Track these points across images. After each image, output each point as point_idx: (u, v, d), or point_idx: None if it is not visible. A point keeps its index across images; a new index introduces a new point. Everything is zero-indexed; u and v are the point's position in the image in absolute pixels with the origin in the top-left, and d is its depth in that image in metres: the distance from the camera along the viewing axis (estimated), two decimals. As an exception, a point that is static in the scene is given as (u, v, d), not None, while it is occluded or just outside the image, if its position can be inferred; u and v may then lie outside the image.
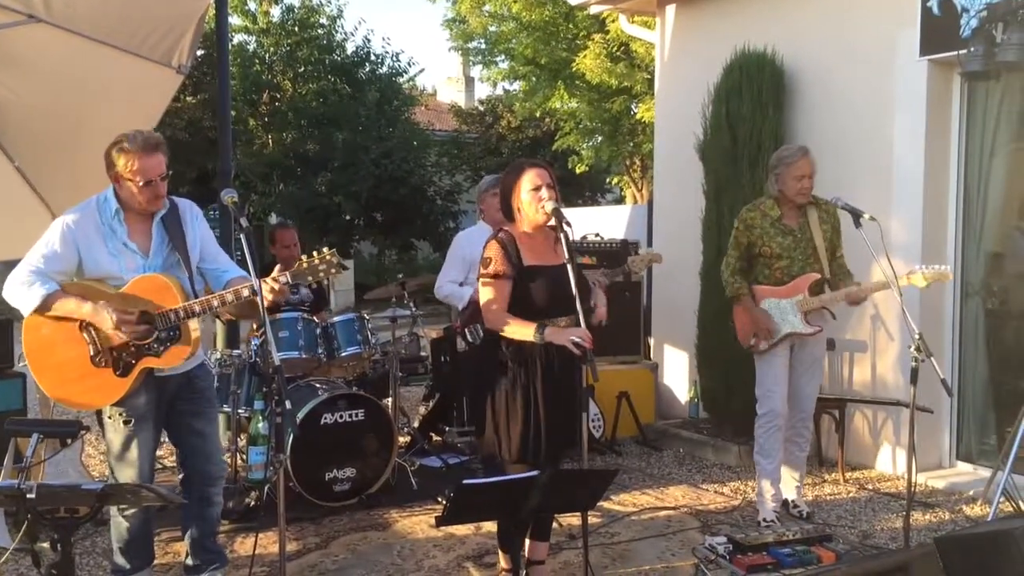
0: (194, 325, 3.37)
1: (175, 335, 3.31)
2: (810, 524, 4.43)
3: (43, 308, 3.23)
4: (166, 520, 4.27)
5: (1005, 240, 5.38)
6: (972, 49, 4.31)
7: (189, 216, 3.52)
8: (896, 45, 5.37)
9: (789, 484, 4.71)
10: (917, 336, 3.79)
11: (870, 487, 5.26)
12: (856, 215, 4.15)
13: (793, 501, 4.71)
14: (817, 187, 4.44)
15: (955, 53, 4.80)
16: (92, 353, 3.29)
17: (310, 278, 3.25)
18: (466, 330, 5.15)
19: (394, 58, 19.61)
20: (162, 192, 3.36)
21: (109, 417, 3.39)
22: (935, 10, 5.12)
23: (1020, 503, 4.35)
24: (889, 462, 5.55)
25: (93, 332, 3.29)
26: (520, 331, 3.28)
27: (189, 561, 3.64)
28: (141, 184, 3.27)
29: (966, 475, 5.33)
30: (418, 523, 4.59)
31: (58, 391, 3.38)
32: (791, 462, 4.67)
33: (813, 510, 4.76)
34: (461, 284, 5.12)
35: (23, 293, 3.23)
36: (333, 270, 3.18)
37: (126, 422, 3.35)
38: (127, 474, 3.41)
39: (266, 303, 3.15)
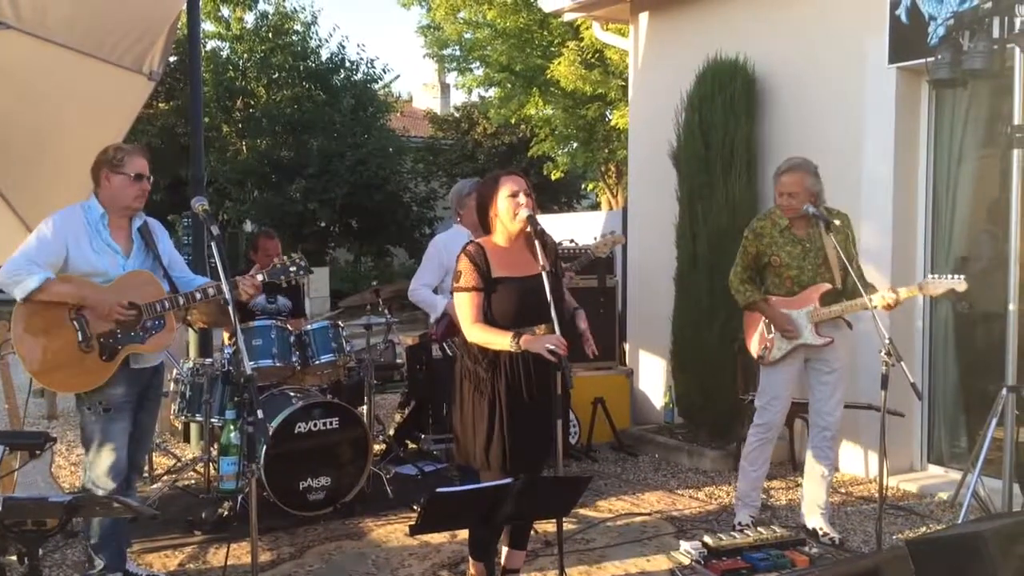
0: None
1: (160, 324, 3.57)
2: (786, 529, 4.45)
3: (40, 292, 3.39)
4: (136, 532, 4.22)
5: (973, 244, 5.46)
6: (939, 57, 4.35)
7: (159, 232, 3.80)
8: (865, 53, 5.45)
9: (813, 510, 4.44)
10: (887, 341, 3.82)
11: (843, 491, 5.31)
12: (827, 222, 4.20)
13: (820, 529, 4.38)
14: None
15: (923, 61, 4.86)
16: (80, 339, 3.46)
17: (282, 278, 3.65)
18: (444, 344, 5.16)
19: (369, 65, 19.58)
20: (147, 191, 3.65)
21: (88, 408, 3.54)
22: (903, 18, 5.20)
23: (990, 505, 4.40)
24: (861, 466, 5.60)
25: (82, 319, 3.46)
26: (496, 340, 3.29)
27: (96, 539, 3.64)
28: (133, 177, 3.57)
29: (937, 478, 5.40)
30: (393, 532, 4.57)
31: (45, 375, 3.53)
32: (813, 484, 4.43)
33: (845, 531, 4.51)
34: (436, 289, 5.11)
35: (22, 277, 3.38)
36: (302, 272, 3.61)
37: (106, 409, 3.52)
38: (105, 463, 3.53)
39: (244, 298, 3.56)
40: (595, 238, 5.32)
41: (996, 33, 4.34)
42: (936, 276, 4.16)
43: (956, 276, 4.07)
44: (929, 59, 4.44)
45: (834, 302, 4.28)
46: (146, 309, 3.50)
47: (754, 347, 4.49)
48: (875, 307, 4.06)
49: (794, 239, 4.34)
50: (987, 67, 4.19)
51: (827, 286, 4.30)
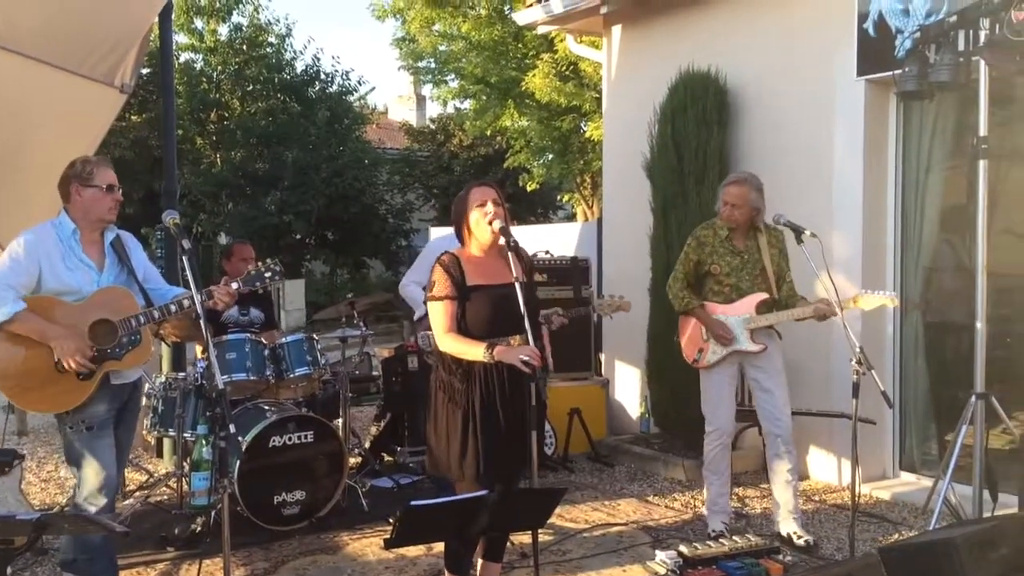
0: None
1: (136, 340, 3.51)
2: (757, 539, 4.48)
3: (10, 324, 3.34)
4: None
5: (942, 252, 5.53)
6: (907, 69, 4.42)
7: (132, 244, 3.75)
8: (834, 65, 5.52)
9: (785, 516, 4.50)
10: (858, 350, 3.88)
11: (816, 498, 5.35)
12: (797, 232, 4.26)
13: (794, 533, 4.44)
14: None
15: (890, 73, 4.94)
16: (56, 359, 3.38)
17: (257, 284, 3.63)
18: (418, 336, 5.19)
19: (344, 77, 19.56)
20: (120, 202, 3.61)
21: (71, 427, 3.47)
22: (871, 32, 5.28)
23: (961, 511, 4.45)
24: (834, 473, 5.64)
25: None
26: (469, 350, 3.29)
27: (70, 555, 3.58)
28: (104, 188, 3.52)
29: (909, 485, 5.45)
30: (369, 545, 4.55)
31: (22, 397, 3.49)
32: (780, 490, 4.50)
33: (818, 539, 4.53)
34: (425, 287, 5.14)
35: None
36: (277, 276, 3.61)
37: (88, 428, 3.46)
38: (96, 481, 3.48)
39: (220, 306, 3.55)
40: (599, 300, 5.41)
41: (961, 46, 4.42)
42: (869, 291, 4.36)
43: (890, 292, 4.33)
44: (896, 72, 4.51)
45: (769, 312, 4.43)
46: (121, 325, 3.45)
47: (688, 351, 4.59)
48: (807, 318, 4.34)
49: (733, 250, 4.49)
50: (953, 80, 4.25)
51: (764, 295, 4.45)
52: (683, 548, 4.12)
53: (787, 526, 4.49)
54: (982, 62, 4.21)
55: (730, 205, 4.44)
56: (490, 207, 3.35)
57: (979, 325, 4.30)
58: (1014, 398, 5.02)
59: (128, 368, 3.56)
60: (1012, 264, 5.12)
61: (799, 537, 4.42)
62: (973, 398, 4.29)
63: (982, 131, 4.26)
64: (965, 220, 5.04)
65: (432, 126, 21.54)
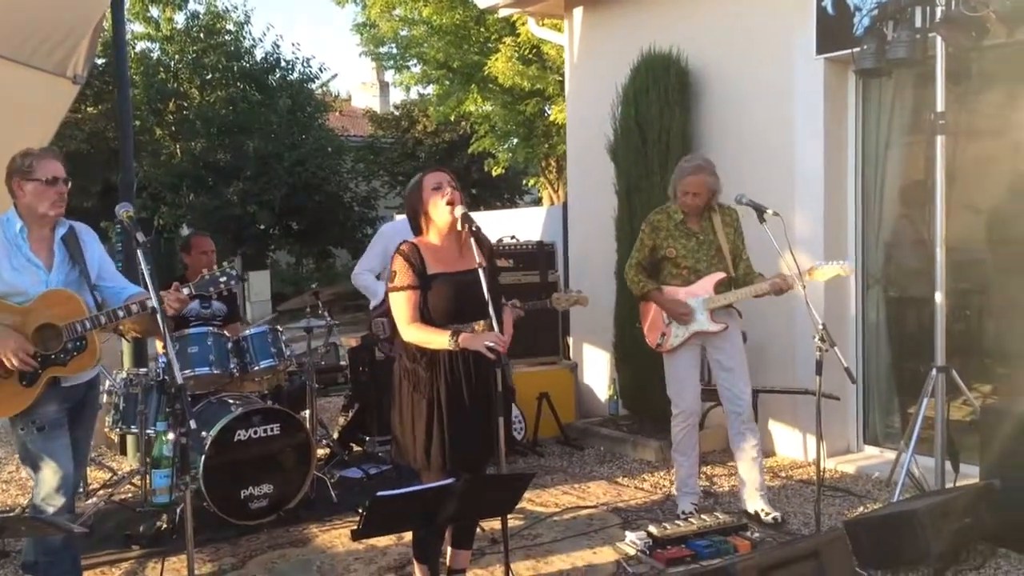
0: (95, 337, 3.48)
1: (81, 345, 3.40)
2: (725, 516, 4.51)
3: None
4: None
5: (899, 229, 5.59)
6: (865, 47, 4.46)
7: (87, 238, 3.61)
8: (793, 44, 5.54)
9: (752, 494, 4.53)
10: (821, 327, 3.91)
11: (783, 474, 5.41)
12: (760, 211, 4.27)
13: (762, 510, 4.48)
14: (722, 183, 4.53)
15: (849, 51, 4.97)
16: None
17: (211, 289, 3.48)
18: (372, 322, 5.16)
19: (305, 64, 19.31)
20: (65, 194, 3.44)
21: (22, 429, 3.40)
22: (829, 10, 5.30)
23: (924, 483, 4.52)
24: (800, 449, 5.70)
25: None
26: (434, 339, 3.26)
27: (31, 557, 3.52)
28: (45, 181, 3.36)
29: (873, 458, 5.52)
30: (338, 537, 4.52)
31: None
32: (746, 467, 4.53)
33: (785, 514, 4.55)
34: (379, 276, 5.08)
35: None
36: (232, 281, 3.46)
37: (39, 428, 3.38)
38: (52, 482, 3.40)
39: (170, 312, 3.37)
40: (556, 295, 5.38)
41: (919, 22, 4.46)
42: (823, 262, 4.41)
43: (843, 262, 4.36)
44: (855, 49, 4.54)
45: (728, 291, 4.47)
46: (66, 330, 3.34)
47: (650, 336, 4.62)
48: (766, 293, 4.37)
49: (688, 232, 4.51)
50: (910, 56, 4.29)
51: (722, 275, 4.48)
52: (652, 528, 4.14)
53: (754, 503, 4.54)
54: (939, 38, 4.25)
55: (691, 194, 4.44)
56: (447, 189, 3.33)
57: (939, 299, 4.36)
58: (974, 370, 5.11)
59: (73, 374, 3.44)
60: (970, 238, 5.19)
61: (767, 514, 4.48)
62: (934, 371, 4.36)
63: (939, 106, 4.30)
64: (924, 195, 5.09)
65: (396, 113, 21.37)
